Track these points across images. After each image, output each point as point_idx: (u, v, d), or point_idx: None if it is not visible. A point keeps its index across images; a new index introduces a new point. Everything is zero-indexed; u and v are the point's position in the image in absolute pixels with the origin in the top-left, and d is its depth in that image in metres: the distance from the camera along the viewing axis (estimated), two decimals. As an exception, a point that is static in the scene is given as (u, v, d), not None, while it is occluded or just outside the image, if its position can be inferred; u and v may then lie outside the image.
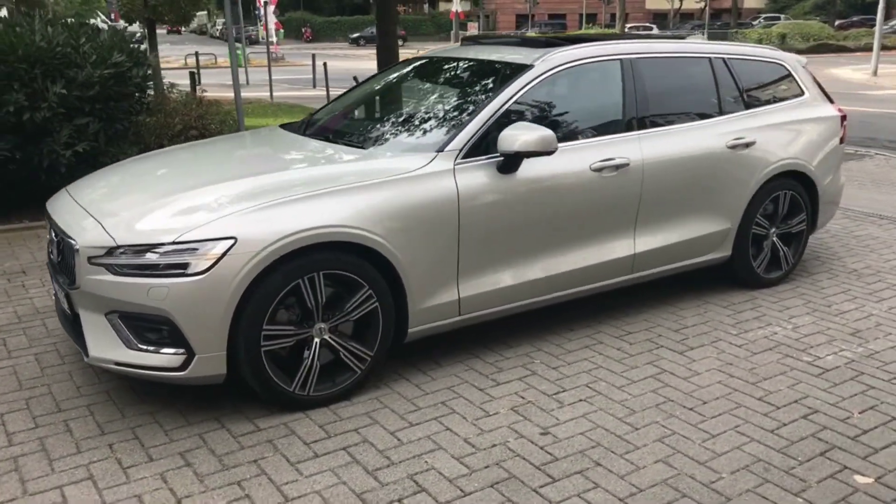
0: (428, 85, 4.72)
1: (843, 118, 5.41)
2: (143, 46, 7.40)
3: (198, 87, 8.70)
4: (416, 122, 4.25)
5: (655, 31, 50.36)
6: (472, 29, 57.43)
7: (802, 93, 5.29)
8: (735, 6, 52.84)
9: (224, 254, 3.19)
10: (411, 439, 3.28)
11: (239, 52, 27.91)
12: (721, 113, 4.81)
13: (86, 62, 6.64)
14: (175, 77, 21.34)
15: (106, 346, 3.35)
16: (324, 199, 3.44)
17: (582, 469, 3.06)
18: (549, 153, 3.84)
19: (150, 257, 3.22)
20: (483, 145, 3.86)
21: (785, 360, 4.03)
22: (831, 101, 5.45)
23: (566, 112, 4.34)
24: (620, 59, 4.47)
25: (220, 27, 67.35)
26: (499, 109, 3.96)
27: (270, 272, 3.28)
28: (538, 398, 3.63)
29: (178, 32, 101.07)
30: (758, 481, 2.99)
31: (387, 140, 4.10)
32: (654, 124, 4.49)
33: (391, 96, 4.81)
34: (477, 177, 3.80)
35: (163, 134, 7.72)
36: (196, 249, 3.20)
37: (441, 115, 4.21)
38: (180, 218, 3.34)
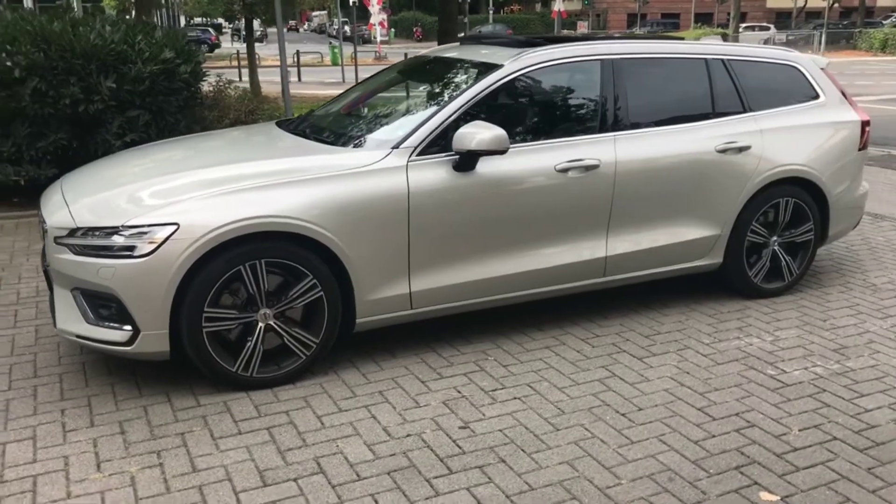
0: (408, 84, 4.81)
1: (865, 124, 5.13)
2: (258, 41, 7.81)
3: (231, 83, 9.05)
4: (385, 120, 4.36)
5: (772, 30, 48.22)
6: (582, 28, 56.75)
7: (817, 96, 5.05)
8: (863, 4, 49.79)
9: (166, 239, 3.41)
10: (334, 424, 3.40)
11: (336, 49, 28.82)
12: (714, 116, 4.66)
13: (139, 59, 7.10)
14: (269, 73, 22.27)
15: (69, 318, 3.64)
16: (269, 190, 3.61)
17: (483, 464, 3.10)
18: (502, 152, 3.86)
19: (103, 239, 3.48)
20: (442, 143, 3.93)
21: (746, 373, 3.90)
22: (853, 106, 5.18)
23: (534, 112, 4.34)
24: (601, 60, 4.42)
25: (336, 26, 69.42)
26: (460, 108, 4.01)
27: (211, 258, 3.47)
28: (474, 394, 3.68)
29: (297, 30, 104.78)
30: (655, 490, 2.94)
31: (353, 136, 4.22)
32: (635, 126, 4.41)
33: (375, 95, 4.92)
34: (431, 174, 3.88)
35: (214, 127, 8.14)
36: (142, 234, 3.43)
37: (409, 113, 4.30)
38: (134, 204, 3.58)
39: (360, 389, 3.72)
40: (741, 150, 4.62)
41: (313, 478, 3.00)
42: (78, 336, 3.62)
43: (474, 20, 61.38)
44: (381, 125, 4.31)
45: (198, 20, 52.81)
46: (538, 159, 4.12)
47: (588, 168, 4.20)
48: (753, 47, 5.10)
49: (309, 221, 3.59)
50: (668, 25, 56.03)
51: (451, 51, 4.95)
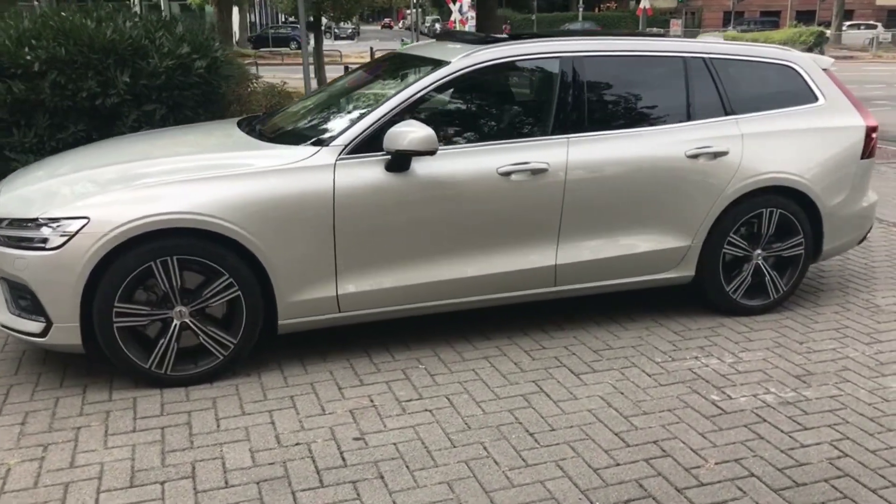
0: (366, 82, 4.67)
1: (871, 129, 4.69)
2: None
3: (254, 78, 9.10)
4: (329, 118, 4.26)
5: (879, 29, 45.54)
6: (675, 27, 55.15)
7: (816, 99, 4.65)
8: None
9: (77, 232, 3.42)
10: (229, 428, 3.33)
11: (406, 45, 28.93)
12: (689, 118, 4.35)
13: (156, 53, 7.24)
14: (331, 71, 22.46)
15: (1, 307, 3.70)
16: (183, 186, 3.56)
17: (359, 479, 2.96)
18: (431, 153, 3.71)
19: (22, 230, 3.52)
20: (377, 143, 3.79)
21: (687, 397, 3.61)
22: (860, 110, 4.74)
23: (481, 112, 4.15)
24: (560, 58, 4.18)
25: (427, 23, 70.03)
26: (397, 106, 3.87)
27: (121, 253, 3.46)
28: (386, 403, 3.54)
29: (390, 27, 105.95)
30: (526, 519, 2.74)
31: (293, 134, 4.14)
32: (594, 128, 4.16)
33: (332, 93, 4.81)
34: (361, 173, 3.75)
35: (236, 121, 8.25)
36: (56, 226, 3.45)
37: (351, 111, 4.19)
38: (54, 197, 3.61)
39: (273, 393, 3.64)
40: (716, 155, 4.29)
41: (181, 482, 2.94)
42: (3, 325, 3.67)
43: (564, 18, 60.60)
44: (324, 123, 4.21)
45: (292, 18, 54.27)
46: (480, 161, 3.93)
47: (535, 172, 3.98)
48: (745, 46, 4.74)
49: (221, 218, 3.52)
50: (766, 24, 53.77)
51: (418, 48, 4.81)
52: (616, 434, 3.29)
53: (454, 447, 3.18)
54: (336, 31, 60.04)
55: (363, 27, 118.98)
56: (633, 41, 4.42)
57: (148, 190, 3.54)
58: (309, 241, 3.69)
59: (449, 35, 5.08)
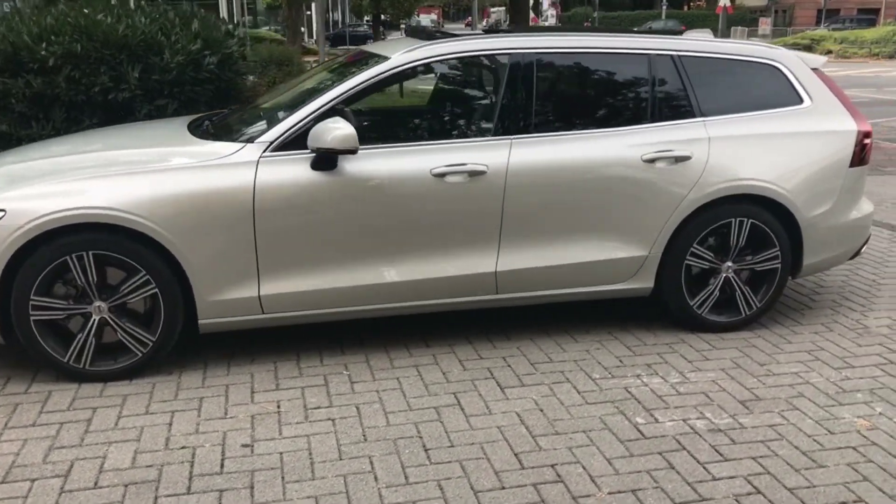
0: (318, 79, 4.56)
1: (864, 134, 4.30)
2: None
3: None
4: (272, 117, 4.16)
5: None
6: (765, 25, 53.20)
7: (801, 101, 4.29)
8: None
9: None
10: (126, 426, 3.28)
11: None
12: (651, 120, 4.08)
13: (167, 49, 7.35)
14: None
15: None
16: (102, 181, 3.55)
17: (227, 488, 2.87)
18: (352, 152, 3.58)
19: (-55, 222, 3.57)
20: (305, 140, 3.69)
21: (609, 418, 3.37)
22: (853, 113, 4.35)
23: (418, 110, 3.99)
24: (510, 55, 3.98)
25: (491, 20, 69.68)
26: (329, 102, 3.76)
27: (37, 247, 3.46)
28: (292, 410, 3.43)
29: (472, 27, 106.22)
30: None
31: (228, 131, 4.08)
32: (542, 129, 3.95)
33: (293, 92, 4.71)
34: (286, 171, 3.66)
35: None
36: None
37: (289, 108, 4.08)
38: None
39: (185, 393, 3.58)
40: (678, 160, 4.01)
41: (51, 480, 2.91)
42: None
43: (647, 16, 59.21)
44: (262, 121, 4.12)
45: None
46: (413, 161, 3.77)
47: (472, 174, 3.79)
48: (723, 43, 4.41)
49: (136, 214, 3.49)
50: (863, 22, 51.12)
51: (378, 45, 4.67)
52: (515, 454, 3.08)
53: (340, 460, 3.05)
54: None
55: (447, 25, 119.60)
56: (592, 38, 4.17)
57: (67, 184, 3.54)
58: (228, 239, 3.62)
59: (418, 31, 4.93)
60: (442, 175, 3.76)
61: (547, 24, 74.95)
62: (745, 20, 53.82)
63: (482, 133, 3.92)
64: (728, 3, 35.44)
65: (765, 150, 4.13)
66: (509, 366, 3.85)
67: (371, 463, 3.03)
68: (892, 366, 3.87)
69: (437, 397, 3.55)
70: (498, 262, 3.92)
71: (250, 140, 3.73)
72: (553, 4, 60.74)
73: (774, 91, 4.29)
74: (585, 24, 62.04)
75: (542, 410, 3.43)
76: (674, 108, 4.13)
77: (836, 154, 4.25)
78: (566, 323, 4.34)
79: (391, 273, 3.82)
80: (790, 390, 3.63)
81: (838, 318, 4.50)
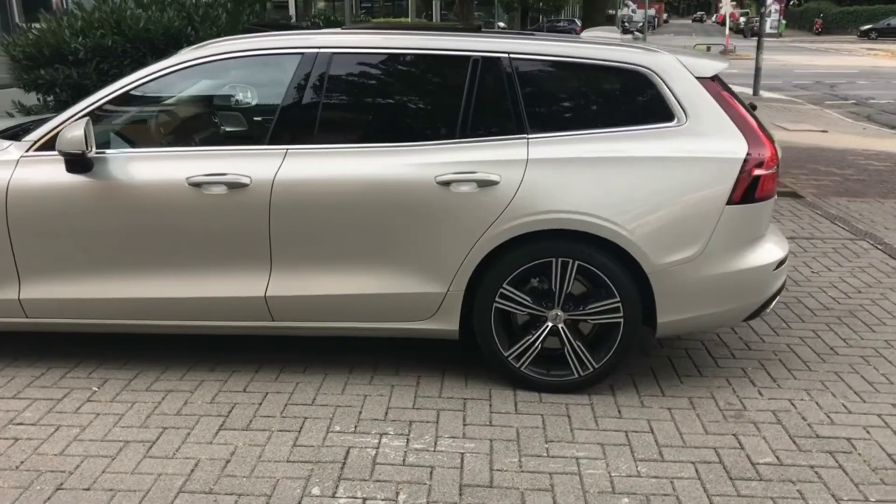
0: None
1: (757, 163, 3.35)
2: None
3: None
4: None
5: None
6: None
7: (672, 117, 3.43)
8: None
9: None
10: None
11: (703, 45, 27.03)
12: (461, 135, 3.44)
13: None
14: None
15: None
16: None
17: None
18: (78, 156, 3.36)
19: None
20: (71, 140, 3.52)
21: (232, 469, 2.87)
22: (748, 135, 3.41)
23: (187, 112, 3.66)
24: (303, 54, 3.54)
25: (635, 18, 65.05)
26: (96, 102, 3.56)
27: None
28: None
29: (701, 21, 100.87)
30: None
31: (25, 131, 3.94)
32: (326, 140, 3.47)
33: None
34: (40, 173, 3.51)
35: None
36: None
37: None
38: None
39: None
40: (482, 184, 3.35)
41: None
42: None
43: (888, 10, 52.74)
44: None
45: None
46: (170, 169, 3.46)
47: (232, 186, 3.42)
48: (582, 45, 3.60)
49: None
50: None
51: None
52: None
53: None
54: (626, 24, 58.11)
55: (673, 21, 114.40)
56: (405, 37, 3.57)
57: None
58: (-14, 239, 3.54)
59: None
60: (198, 185, 3.43)
61: (770, 19, 68.99)
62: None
63: (253, 140, 3.54)
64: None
65: (600, 178, 3.35)
66: (257, 404, 3.45)
67: (-12, 494, 2.80)
68: (712, 466, 2.98)
69: (145, 431, 3.24)
70: (269, 287, 3.51)
71: (19, 138, 3.62)
72: (776, -1, 56.00)
73: (637, 105, 3.47)
74: (816, 21, 56.40)
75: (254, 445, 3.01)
76: (493, 122, 3.46)
77: (707, 186, 3.35)
78: (363, 361, 3.82)
79: (153, 289, 3.55)
80: (544, 481, 2.90)
81: (721, 392, 3.58)
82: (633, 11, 70.00)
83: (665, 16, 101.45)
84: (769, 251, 3.52)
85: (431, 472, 2.93)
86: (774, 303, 3.64)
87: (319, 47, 3.54)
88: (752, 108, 4.40)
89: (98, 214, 3.49)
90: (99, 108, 3.55)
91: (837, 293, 4.88)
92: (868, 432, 3.25)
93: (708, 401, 3.51)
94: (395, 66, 3.55)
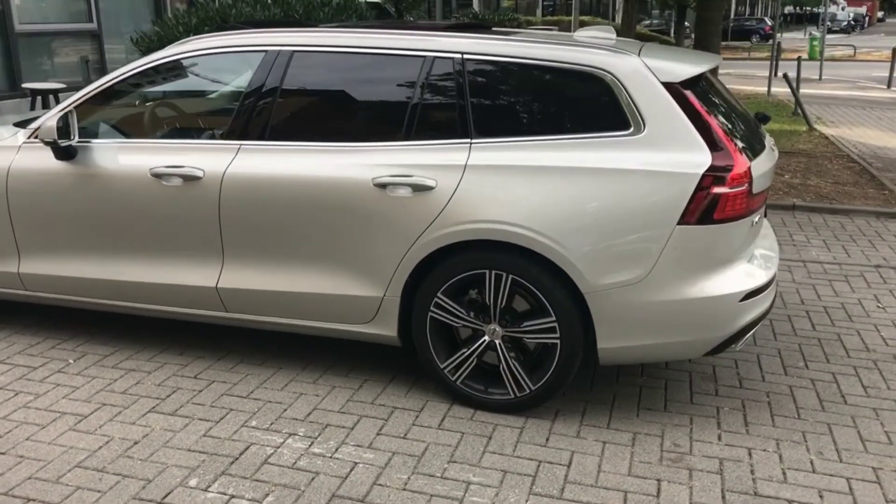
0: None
1: (715, 179, 3.00)
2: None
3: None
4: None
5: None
6: None
7: (627, 125, 3.13)
8: None
9: None
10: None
11: (815, 43, 24.78)
12: (405, 136, 3.33)
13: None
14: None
15: None
16: None
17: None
18: (51, 144, 3.62)
19: None
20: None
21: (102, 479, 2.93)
22: (714, 148, 3.05)
23: (161, 106, 3.79)
24: (265, 52, 3.59)
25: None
26: (89, 93, 3.82)
27: None
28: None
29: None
30: None
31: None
32: (276, 136, 3.50)
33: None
34: (35, 158, 3.82)
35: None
36: None
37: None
38: None
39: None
40: (417, 188, 3.25)
41: None
42: None
43: None
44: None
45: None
46: (137, 159, 3.65)
47: (187, 178, 3.54)
48: (543, 45, 3.33)
49: None
50: None
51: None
52: None
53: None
54: (829, 22, 53.73)
55: (890, 19, 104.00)
56: (360, 35, 3.49)
57: None
58: (-9, 216, 3.90)
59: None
60: (159, 176, 3.58)
61: (842, 12, 60.30)
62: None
63: (211, 135, 3.63)
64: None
65: (539, 188, 3.13)
66: (181, 399, 3.54)
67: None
68: (608, 512, 2.71)
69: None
70: (220, 279, 3.61)
71: (25, 125, 3.95)
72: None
73: (592, 111, 3.20)
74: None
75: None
76: (439, 124, 3.33)
77: (656, 203, 3.03)
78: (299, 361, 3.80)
79: (125, 272, 3.76)
80: (419, 502, 2.76)
81: (675, 431, 3.24)
82: (843, 8, 64.55)
83: (881, 13, 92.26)
84: (736, 279, 3.13)
85: (313, 479, 2.88)
86: (747, 337, 3.24)
87: (281, 45, 3.57)
88: (760, 118, 3.95)
89: (78, 199, 3.74)
90: (89, 99, 3.80)
91: (894, 334, 4.26)
92: (821, 497, 2.81)
93: (653, 439, 3.19)
94: (350, 66, 3.51)
